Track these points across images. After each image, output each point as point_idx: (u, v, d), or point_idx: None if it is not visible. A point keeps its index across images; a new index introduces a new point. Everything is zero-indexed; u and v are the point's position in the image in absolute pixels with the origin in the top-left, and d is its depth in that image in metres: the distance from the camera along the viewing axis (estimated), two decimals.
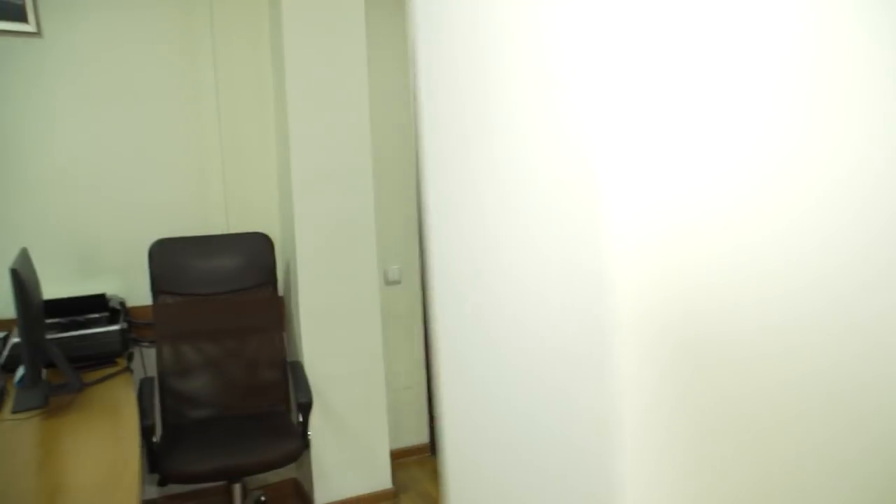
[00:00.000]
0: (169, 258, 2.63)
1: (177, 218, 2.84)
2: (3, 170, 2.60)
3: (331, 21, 2.68)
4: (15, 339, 2.32)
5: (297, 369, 2.60)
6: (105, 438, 1.81)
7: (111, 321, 2.50)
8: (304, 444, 2.42)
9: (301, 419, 2.46)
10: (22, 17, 2.59)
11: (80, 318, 2.46)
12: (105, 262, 2.70)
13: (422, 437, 3.45)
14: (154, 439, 2.23)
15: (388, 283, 3.19)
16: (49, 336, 2.29)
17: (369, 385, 2.83)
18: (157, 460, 2.22)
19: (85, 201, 2.71)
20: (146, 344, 2.69)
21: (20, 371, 2.21)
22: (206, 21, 2.84)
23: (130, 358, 2.51)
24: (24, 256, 2.19)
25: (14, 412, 1.96)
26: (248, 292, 2.74)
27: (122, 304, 2.66)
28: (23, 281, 1.86)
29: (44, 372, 2.17)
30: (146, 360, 2.72)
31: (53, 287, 2.66)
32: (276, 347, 2.74)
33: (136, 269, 2.75)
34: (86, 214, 2.72)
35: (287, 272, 2.84)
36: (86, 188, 2.71)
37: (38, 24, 2.61)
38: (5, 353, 2.32)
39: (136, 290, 2.73)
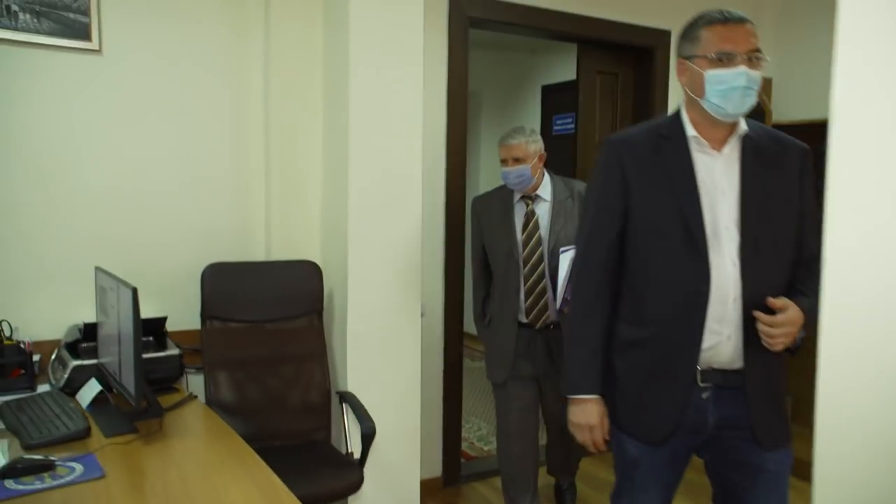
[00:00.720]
0: (221, 283, 2.61)
1: (217, 242, 2.81)
2: (54, 185, 2.54)
3: (393, 51, 2.74)
4: (75, 362, 2.26)
5: (350, 399, 2.60)
6: (228, 463, 1.80)
7: (159, 346, 2.46)
8: (362, 474, 2.44)
9: (346, 447, 2.46)
10: (86, 36, 2.57)
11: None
12: (146, 284, 2.63)
13: (435, 471, 3.48)
14: None
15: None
16: (105, 359, 2.23)
17: (405, 415, 2.85)
18: None
19: (130, 221, 2.67)
20: (192, 370, 2.64)
21: (87, 394, 2.16)
22: (259, 44, 2.86)
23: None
24: (106, 274, 2.15)
25: (108, 436, 1.91)
26: (296, 320, 2.74)
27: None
28: (137, 301, 1.84)
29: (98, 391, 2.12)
30: (190, 386, 2.66)
31: (88, 309, 2.58)
32: (323, 376, 2.74)
33: (173, 292, 2.70)
34: (129, 235, 2.67)
35: (329, 300, 2.86)
36: (131, 208, 2.67)
37: (100, 41, 2.59)
38: (65, 375, 2.25)
39: (174, 314, 2.67)
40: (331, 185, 2.88)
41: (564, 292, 2.55)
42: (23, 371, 2.33)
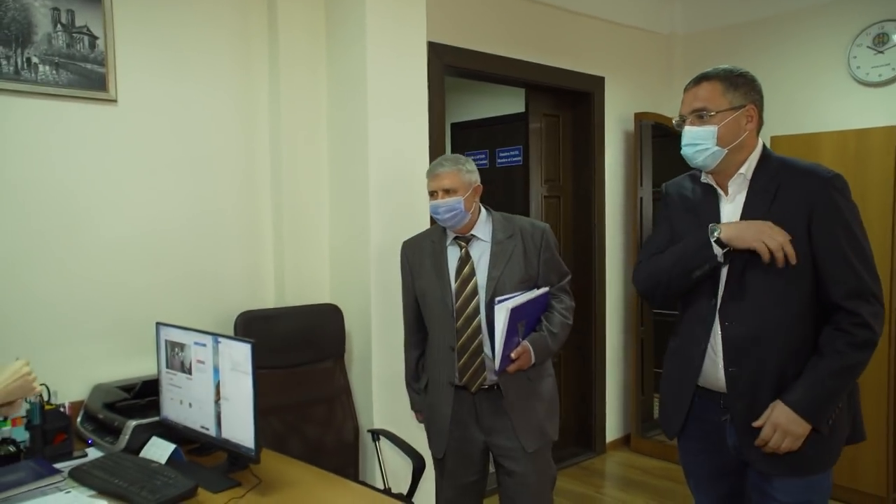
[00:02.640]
0: (254, 331, 2.62)
1: (229, 290, 2.83)
2: (67, 235, 2.44)
3: (402, 105, 2.93)
4: (134, 422, 2.19)
5: (388, 435, 2.69)
6: (340, 491, 1.87)
7: None
8: None
9: (384, 483, 2.51)
10: (102, 86, 2.51)
11: None
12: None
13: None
14: None
15: None
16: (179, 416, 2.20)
17: (419, 448, 2.97)
18: None
19: (144, 272, 2.61)
20: None
21: (160, 452, 2.11)
22: (266, 95, 2.93)
23: None
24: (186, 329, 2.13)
25: (216, 492, 1.91)
26: (324, 362, 2.80)
27: None
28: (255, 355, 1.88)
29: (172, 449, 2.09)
30: None
31: (106, 368, 2.51)
32: (352, 416, 2.81)
33: None
34: (143, 288, 2.61)
35: (348, 340, 2.93)
36: (145, 259, 2.62)
37: (116, 91, 2.54)
38: (126, 436, 2.18)
39: None
40: (345, 230, 2.97)
41: (504, 349, 2.18)
42: (66, 436, 2.23)
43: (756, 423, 1.78)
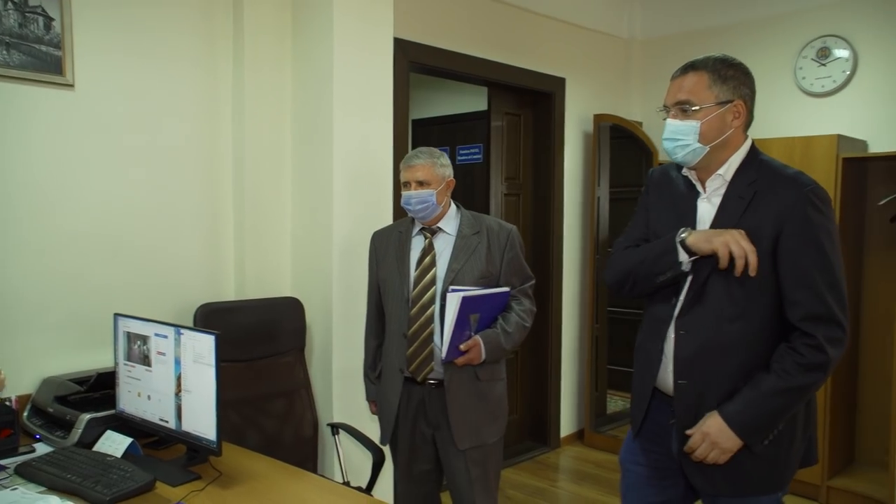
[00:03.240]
0: (215, 324, 2.58)
1: (188, 282, 2.79)
2: (20, 226, 2.37)
3: (368, 102, 2.93)
4: (88, 416, 2.15)
5: (348, 429, 2.69)
6: (303, 483, 1.87)
7: None
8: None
9: (343, 476, 2.51)
10: (59, 70, 2.45)
11: None
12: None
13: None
14: None
15: None
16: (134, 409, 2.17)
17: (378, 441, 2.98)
18: None
19: (100, 263, 2.55)
20: None
21: (115, 446, 2.07)
22: (229, 85, 2.89)
23: None
24: (148, 321, 2.10)
25: (175, 486, 1.89)
26: (284, 356, 2.78)
27: None
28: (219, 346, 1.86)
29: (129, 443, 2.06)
30: None
31: (57, 360, 2.45)
32: (311, 409, 2.80)
33: None
34: (99, 279, 2.55)
35: (308, 333, 2.92)
36: (102, 249, 2.56)
37: (73, 76, 2.48)
38: (79, 430, 2.14)
39: None
40: (308, 223, 2.95)
41: (452, 339, 2.19)
42: (11, 431, 2.16)
43: (688, 431, 1.72)
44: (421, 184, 2.35)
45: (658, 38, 4.73)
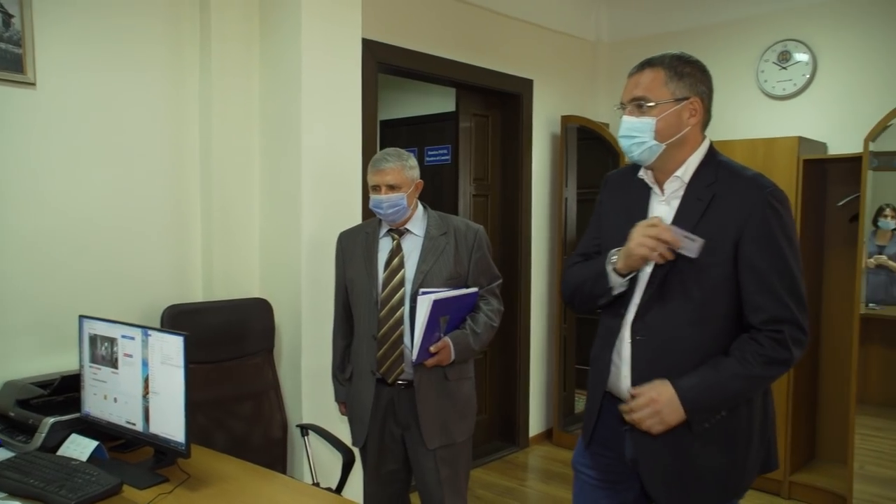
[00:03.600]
0: (182, 325, 2.56)
1: (155, 283, 2.75)
2: None
3: (336, 104, 2.92)
4: (52, 419, 2.11)
5: (318, 430, 2.67)
6: (273, 485, 1.87)
7: None
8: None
9: (312, 478, 2.51)
10: (19, 68, 2.40)
11: None
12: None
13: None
14: None
15: None
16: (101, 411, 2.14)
17: (348, 442, 2.97)
18: None
19: (63, 265, 2.51)
20: None
21: (80, 450, 2.04)
22: (196, 83, 2.86)
23: None
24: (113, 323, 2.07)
25: (142, 489, 1.87)
26: (253, 357, 2.76)
27: None
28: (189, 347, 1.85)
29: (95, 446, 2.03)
30: None
31: (19, 364, 2.40)
32: (280, 411, 2.79)
33: None
34: (63, 281, 2.51)
35: (277, 335, 2.90)
36: (65, 250, 2.52)
37: (35, 74, 2.43)
38: (43, 434, 2.10)
39: None
40: (276, 224, 2.94)
41: (422, 341, 2.21)
42: None
43: (633, 391, 1.66)
44: (391, 187, 2.33)
45: (624, 41, 4.80)
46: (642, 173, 1.77)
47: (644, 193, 1.78)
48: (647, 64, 1.70)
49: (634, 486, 1.80)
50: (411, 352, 2.27)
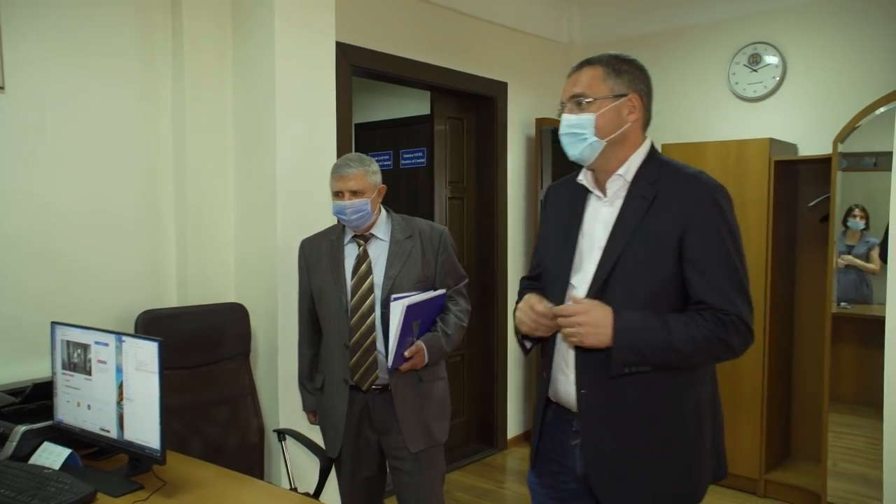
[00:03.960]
0: (157, 331, 2.52)
1: (129, 288, 2.72)
2: None
3: (310, 98, 2.92)
4: (23, 427, 2.08)
5: (295, 435, 2.65)
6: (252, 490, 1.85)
7: None
8: None
9: (290, 483, 2.51)
10: None
11: None
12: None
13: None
14: None
15: None
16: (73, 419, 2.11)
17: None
18: None
19: (34, 270, 2.47)
20: None
21: (53, 458, 2.01)
22: (168, 85, 2.84)
23: None
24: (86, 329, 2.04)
25: (117, 496, 1.84)
26: (230, 361, 2.74)
27: None
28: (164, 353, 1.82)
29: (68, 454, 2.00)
30: None
31: None
32: (257, 416, 2.77)
33: None
34: (35, 287, 2.47)
35: (253, 339, 2.88)
36: (36, 255, 2.48)
37: (2, 78, 2.39)
38: (14, 443, 2.06)
39: None
40: (251, 228, 2.92)
41: (397, 347, 2.20)
42: None
43: (576, 298, 1.62)
44: (354, 193, 2.30)
45: (597, 43, 4.83)
46: (582, 177, 1.74)
47: (582, 199, 1.75)
48: (586, 62, 1.69)
49: (590, 502, 1.74)
50: (386, 358, 2.26)
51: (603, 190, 1.71)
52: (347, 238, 2.41)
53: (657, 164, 1.68)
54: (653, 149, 1.71)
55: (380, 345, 2.31)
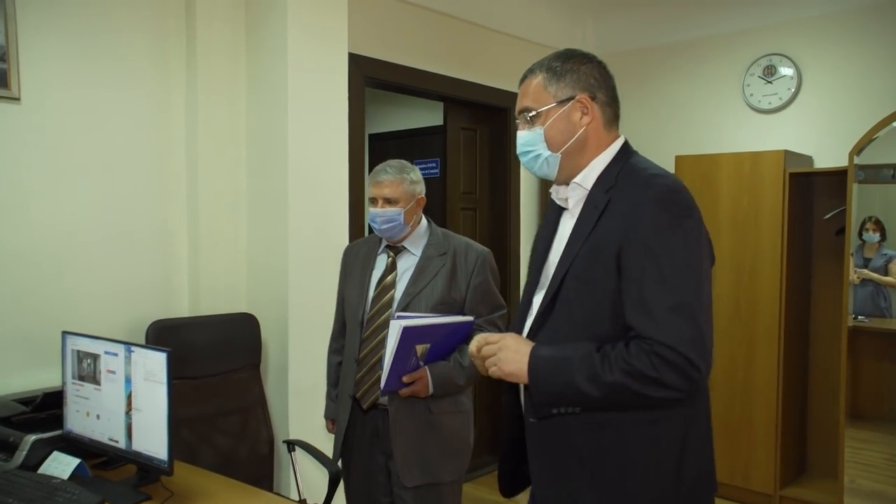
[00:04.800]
0: (168, 341, 2.54)
1: (141, 298, 2.73)
2: None
3: (322, 117, 2.93)
4: (33, 437, 2.08)
5: (304, 446, 2.65)
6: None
7: None
8: None
9: (298, 494, 2.52)
10: (3, 83, 2.39)
11: None
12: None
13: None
14: None
15: None
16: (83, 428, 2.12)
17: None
18: None
19: (47, 280, 2.49)
20: None
21: (62, 468, 2.01)
22: (182, 98, 2.86)
23: None
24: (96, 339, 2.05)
25: None
26: (239, 372, 2.74)
27: None
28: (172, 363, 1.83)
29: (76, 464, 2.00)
30: None
31: (3, 380, 2.38)
32: (267, 427, 2.77)
33: None
34: (47, 296, 2.49)
35: (264, 350, 2.88)
36: (50, 265, 2.50)
37: (19, 89, 2.42)
38: (23, 452, 2.07)
39: None
40: (263, 238, 2.93)
41: (390, 370, 2.01)
42: None
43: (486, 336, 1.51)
44: (388, 201, 2.20)
45: (611, 54, 4.82)
46: (552, 191, 1.59)
47: (559, 213, 1.61)
48: (528, 71, 1.53)
49: None
50: (382, 374, 2.09)
51: (564, 200, 1.57)
52: (381, 247, 2.32)
53: (620, 167, 1.48)
54: (623, 149, 1.52)
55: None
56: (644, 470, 1.42)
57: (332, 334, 2.52)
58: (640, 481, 1.42)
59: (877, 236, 3.67)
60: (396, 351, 1.97)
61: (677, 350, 1.30)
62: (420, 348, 2.05)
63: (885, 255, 3.67)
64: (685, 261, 1.36)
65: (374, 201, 2.24)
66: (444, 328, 2.09)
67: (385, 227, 2.21)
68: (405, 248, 2.27)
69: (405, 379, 2.07)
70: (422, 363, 2.10)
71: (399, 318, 2.01)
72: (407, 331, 1.95)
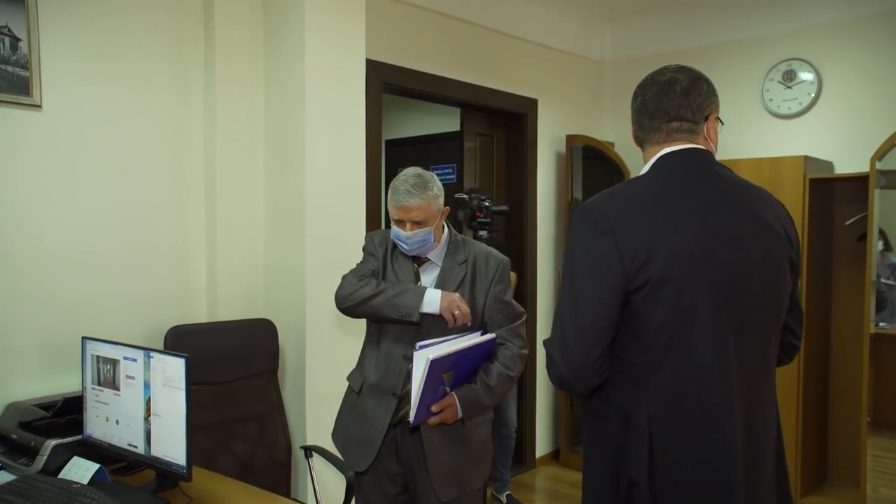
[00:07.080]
0: (186, 346, 2.55)
1: (161, 305, 2.75)
2: None
3: (340, 122, 2.94)
4: (54, 441, 2.10)
5: (321, 451, 2.65)
6: None
7: None
8: None
9: (316, 499, 2.50)
10: (26, 91, 2.42)
11: None
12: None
13: None
14: None
15: None
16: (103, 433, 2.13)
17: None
18: None
19: (67, 286, 2.51)
20: None
21: (81, 473, 2.02)
22: (200, 105, 2.87)
23: None
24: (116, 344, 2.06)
25: None
26: (257, 378, 2.75)
27: None
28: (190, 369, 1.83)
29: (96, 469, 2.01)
30: None
31: (22, 385, 2.39)
32: (284, 432, 2.77)
33: None
34: (67, 302, 2.51)
35: (281, 355, 2.89)
36: (70, 271, 2.52)
37: (41, 97, 2.45)
38: (44, 457, 2.08)
39: None
40: (280, 244, 2.94)
41: (420, 401, 1.93)
42: None
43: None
44: (418, 224, 2.08)
45: (629, 60, 4.81)
46: None
47: None
48: None
49: None
50: (411, 407, 1.97)
51: None
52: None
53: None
54: None
55: (413, 386, 1.97)
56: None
57: (353, 272, 2.26)
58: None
59: (881, 245, 3.65)
60: (424, 384, 1.89)
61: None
62: (446, 376, 1.99)
63: (893, 263, 3.67)
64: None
65: (401, 223, 2.11)
66: (468, 351, 2.03)
67: (418, 247, 2.13)
68: (429, 258, 2.21)
69: (434, 408, 2.00)
70: (448, 389, 2.03)
71: (421, 347, 1.93)
72: (434, 363, 1.87)
